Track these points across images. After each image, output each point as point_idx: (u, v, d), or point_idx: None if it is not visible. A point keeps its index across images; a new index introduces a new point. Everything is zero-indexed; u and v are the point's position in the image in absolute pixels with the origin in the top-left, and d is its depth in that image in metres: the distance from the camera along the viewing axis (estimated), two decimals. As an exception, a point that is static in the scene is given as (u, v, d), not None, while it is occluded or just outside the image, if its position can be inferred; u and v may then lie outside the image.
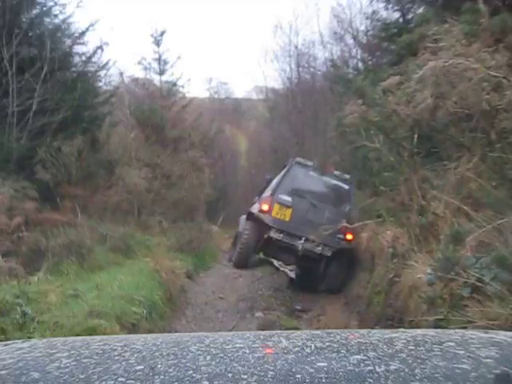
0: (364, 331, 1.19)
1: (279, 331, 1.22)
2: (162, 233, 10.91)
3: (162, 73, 21.19)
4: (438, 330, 1.20)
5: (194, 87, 63.16)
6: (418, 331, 1.19)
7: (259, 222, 9.52)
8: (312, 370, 0.84)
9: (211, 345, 1.03)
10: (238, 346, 1.00)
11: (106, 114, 12.47)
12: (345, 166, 11.22)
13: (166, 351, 0.99)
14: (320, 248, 9.36)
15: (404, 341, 1.05)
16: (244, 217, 10.81)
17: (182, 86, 21.65)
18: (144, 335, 1.25)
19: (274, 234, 9.52)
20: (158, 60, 20.25)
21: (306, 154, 14.66)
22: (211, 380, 0.80)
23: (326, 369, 0.85)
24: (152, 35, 19.17)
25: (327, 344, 1.04)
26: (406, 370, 0.85)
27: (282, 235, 9.50)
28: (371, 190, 9.05)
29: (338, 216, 9.38)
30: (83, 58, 11.78)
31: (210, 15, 61.12)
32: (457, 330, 1.18)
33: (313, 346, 1.01)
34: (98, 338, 1.20)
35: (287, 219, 9.57)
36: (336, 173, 10.34)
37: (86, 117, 10.96)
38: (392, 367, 0.86)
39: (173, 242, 10.09)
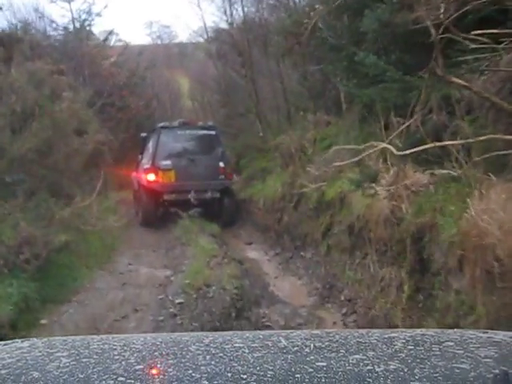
0: (363, 331, 1.20)
1: (278, 331, 1.27)
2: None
3: None
4: (437, 330, 1.23)
5: (135, 34, 60.54)
6: (417, 331, 1.20)
7: (152, 188, 10.87)
8: (311, 370, 0.84)
9: (211, 344, 1.05)
10: (237, 345, 1.02)
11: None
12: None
13: (165, 351, 1.00)
14: (209, 193, 11.11)
15: (403, 340, 1.07)
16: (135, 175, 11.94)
17: (99, 14, 19.10)
18: (144, 335, 1.28)
19: (166, 197, 10.97)
20: None
21: (258, 88, 15.85)
22: (211, 379, 0.81)
23: (325, 368, 0.86)
24: None
25: (326, 344, 1.05)
26: (406, 370, 0.86)
27: (173, 195, 10.95)
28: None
29: (215, 160, 11.26)
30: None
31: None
32: (456, 330, 1.20)
33: (312, 345, 1.02)
34: (97, 337, 1.20)
35: (173, 180, 11.04)
36: (200, 124, 12.29)
37: None
38: (391, 367, 0.87)
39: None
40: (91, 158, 9.56)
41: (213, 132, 11.75)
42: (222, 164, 11.29)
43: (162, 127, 11.61)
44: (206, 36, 21.77)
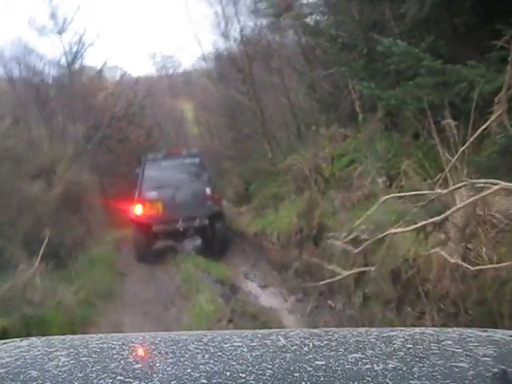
0: (362, 330, 1.20)
1: (277, 329, 1.27)
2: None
3: (61, 31, 17.46)
4: (436, 329, 1.22)
5: (140, 66, 61.71)
6: (416, 329, 1.18)
7: (141, 221, 11.07)
8: (310, 369, 0.86)
9: (209, 343, 1.04)
10: (236, 344, 1.03)
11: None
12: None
13: (164, 349, 1.02)
14: (197, 221, 11.05)
15: (402, 339, 1.06)
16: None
17: (91, 45, 17.95)
18: (143, 334, 1.24)
19: (155, 228, 11.07)
20: (53, 16, 16.65)
21: (263, 106, 15.26)
22: (209, 378, 0.82)
23: (324, 367, 0.88)
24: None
25: (325, 342, 1.05)
26: (404, 369, 0.86)
27: (162, 226, 11.02)
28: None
29: (201, 188, 11.30)
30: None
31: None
32: (455, 329, 1.17)
33: (311, 344, 1.02)
34: (96, 336, 1.20)
35: (160, 211, 11.06)
36: (184, 152, 12.51)
37: None
38: (390, 365, 0.88)
39: None
40: (65, 202, 7.90)
41: (197, 159, 12.11)
42: (208, 190, 11.36)
43: (147, 159, 11.97)
44: (206, 60, 21.94)
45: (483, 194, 3.24)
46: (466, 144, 3.89)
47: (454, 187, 3.77)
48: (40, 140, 12.77)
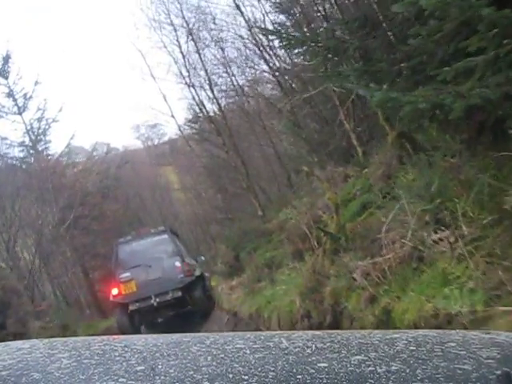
0: (365, 332, 1.22)
1: (280, 332, 1.30)
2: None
3: (21, 110, 16.06)
4: (439, 331, 1.20)
5: (126, 140, 62.31)
6: (420, 332, 1.20)
7: (117, 302, 12.16)
8: (313, 371, 0.86)
9: (212, 345, 1.04)
10: (238, 346, 1.01)
11: None
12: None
13: (166, 352, 1.01)
14: (170, 294, 11.71)
15: (405, 341, 1.04)
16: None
17: (54, 120, 16.79)
18: (145, 336, 1.43)
19: (132, 307, 11.73)
20: (10, 94, 15.28)
21: (249, 165, 14.22)
22: (212, 381, 0.82)
23: (326, 369, 0.88)
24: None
25: (328, 345, 1.04)
26: (408, 371, 0.86)
27: (138, 304, 11.66)
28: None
29: (171, 262, 11.96)
30: None
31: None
32: (458, 331, 1.18)
33: (314, 346, 1.01)
34: (98, 338, 1.19)
35: (135, 289, 11.71)
36: (152, 230, 13.36)
37: None
38: (393, 368, 0.86)
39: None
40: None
41: (165, 236, 12.70)
42: (178, 263, 11.97)
43: (118, 243, 12.78)
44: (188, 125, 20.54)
45: None
46: None
47: None
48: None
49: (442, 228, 4.03)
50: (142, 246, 12.37)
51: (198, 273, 12.73)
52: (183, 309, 12.19)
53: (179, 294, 11.79)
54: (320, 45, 6.54)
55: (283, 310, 6.92)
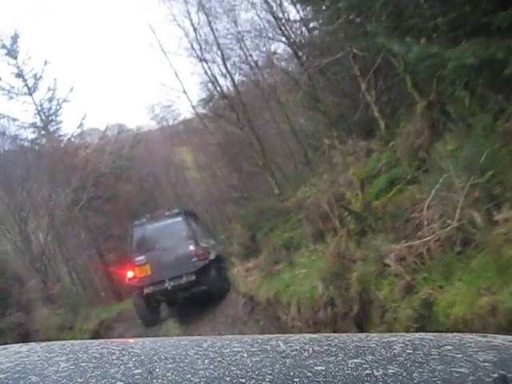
0: (362, 335, 1.19)
1: (277, 335, 1.22)
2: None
3: (32, 90, 15.89)
4: (436, 334, 1.20)
5: (141, 121, 62.29)
6: (416, 335, 1.18)
7: (133, 285, 12.68)
8: (310, 374, 0.87)
9: (209, 348, 1.05)
10: (236, 349, 1.03)
11: None
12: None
13: (164, 355, 1.02)
14: (184, 278, 11.95)
15: (402, 344, 1.05)
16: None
17: (65, 100, 16.56)
18: (142, 339, 1.24)
19: (147, 290, 12.12)
20: (20, 75, 15.10)
21: (264, 142, 13.46)
22: None
23: (323, 373, 0.89)
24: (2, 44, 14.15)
25: (325, 348, 1.04)
26: (404, 374, 0.87)
27: (152, 287, 12.07)
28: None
29: (185, 245, 12.12)
30: None
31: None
32: (455, 334, 1.18)
33: (311, 349, 1.02)
34: (96, 341, 1.22)
35: (149, 273, 12.07)
36: (166, 213, 13.31)
37: None
38: (390, 371, 0.87)
39: None
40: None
41: (179, 218, 12.67)
42: (192, 247, 12.11)
43: (134, 225, 12.94)
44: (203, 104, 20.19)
45: None
46: None
47: None
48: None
49: (497, 205, 3.45)
50: (157, 228, 12.61)
51: (212, 256, 12.92)
52: (198, 290, 12.34)
53: (193, 277, 12.10)
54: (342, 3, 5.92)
55: (303, 295, 6.52)
